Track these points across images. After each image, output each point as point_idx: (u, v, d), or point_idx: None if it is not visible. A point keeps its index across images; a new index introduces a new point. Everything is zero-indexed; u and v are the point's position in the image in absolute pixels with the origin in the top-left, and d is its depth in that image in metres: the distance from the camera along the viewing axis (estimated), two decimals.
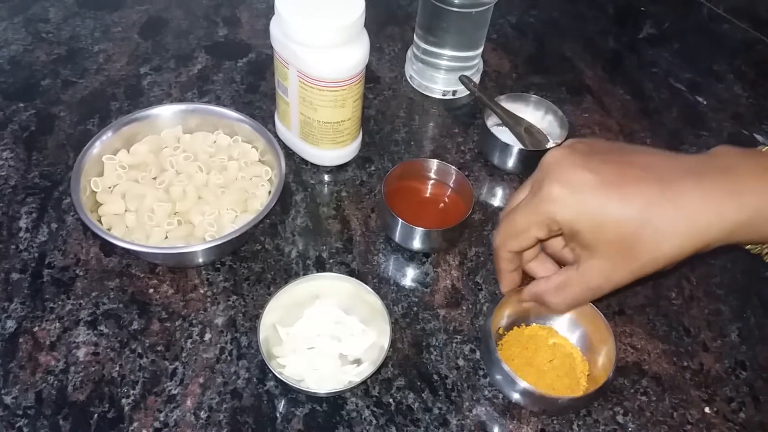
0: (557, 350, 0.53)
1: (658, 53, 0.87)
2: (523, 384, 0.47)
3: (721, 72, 0.85)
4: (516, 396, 0.49)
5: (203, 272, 0.58)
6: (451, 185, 0.63)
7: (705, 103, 0.80)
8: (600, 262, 0.42)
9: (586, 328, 0.53)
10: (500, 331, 0.54)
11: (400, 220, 0.57)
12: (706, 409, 0.53)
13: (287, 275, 0.58)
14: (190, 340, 0.53)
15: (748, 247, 0.46)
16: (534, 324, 0.54)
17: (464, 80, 0.71)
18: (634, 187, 0.40)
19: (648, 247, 0.40)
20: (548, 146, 0.67)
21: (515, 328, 0.54)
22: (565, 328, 0.54)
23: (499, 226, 0.47)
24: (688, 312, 0.59)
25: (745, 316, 0.59)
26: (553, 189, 0.42)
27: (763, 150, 0.42)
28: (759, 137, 0.76)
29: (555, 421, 0.51)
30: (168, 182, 0.59)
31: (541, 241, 0.46)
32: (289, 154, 0.68)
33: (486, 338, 0.50)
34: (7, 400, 0.49)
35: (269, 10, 0.57)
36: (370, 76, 0.77)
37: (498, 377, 0.50)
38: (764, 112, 0.80)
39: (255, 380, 0.51)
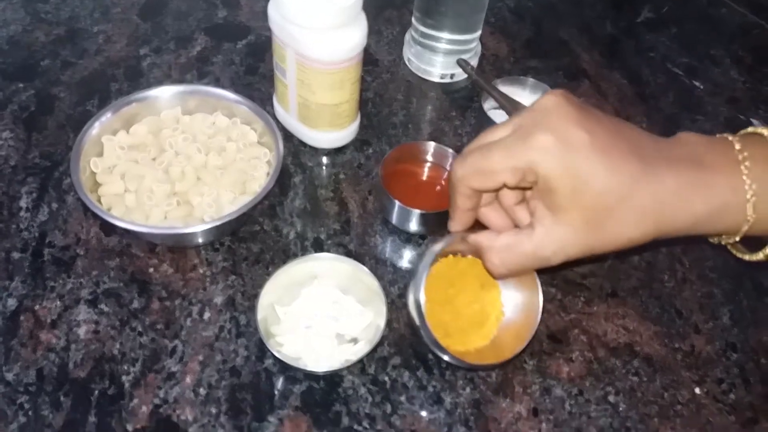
0: (480, 297, 0.51)
1: (656, 38, 0.87)
2: (446, 357, 0.47)
3: (718, 57, 0.85)
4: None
5: (202, 252, 0.58)
6: (448, 168, 0.63)
7: (702, 87, 0.81)
8: (561, 228, 0.40)
9: (519, 289, 0.51)
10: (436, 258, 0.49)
11: (397, 203, 0.58)
12: (697, 390, 0.54)
13: (285, 256, 0.59)
14: (189, 319, 0.54)
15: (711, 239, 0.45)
16: (470, 256, 0.51)
17: (462, 64, 0.71)
18: (623, 159, 0.38)
19: (618, 224, 0.39)
20: None
21: (450, 257, 0.50)
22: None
23: (466, 158, 0.42)
24: (680, 294, 0.60)
25: (737, 299, 0.60)
26: (544, 138, 0.38)
27: (729, 138, 0.42)
28: (755, 122, 0.77)
29: (547, 400, 0.52)
30: (167, 163, 0.59)
31: (507, 187, 0.42)
32: (288, 136, 0.68)
33: (417, 304, 0.47)
34: (9, 377, 0.50)
35: None
36: (369, 59, 0.78)
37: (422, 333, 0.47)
38: (761, 97, 0.80)
39: (253, 358, 0.52)
